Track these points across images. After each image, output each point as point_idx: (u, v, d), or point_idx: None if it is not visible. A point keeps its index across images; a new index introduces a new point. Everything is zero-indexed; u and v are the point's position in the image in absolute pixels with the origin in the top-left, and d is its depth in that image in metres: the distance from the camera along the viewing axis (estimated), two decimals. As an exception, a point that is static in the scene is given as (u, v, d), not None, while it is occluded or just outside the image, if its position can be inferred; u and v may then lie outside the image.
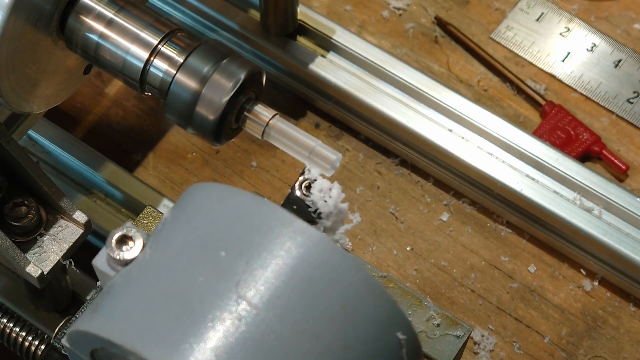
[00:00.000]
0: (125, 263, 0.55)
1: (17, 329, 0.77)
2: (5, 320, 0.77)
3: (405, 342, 0.53)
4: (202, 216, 0.54)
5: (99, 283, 0.59)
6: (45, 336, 0.77)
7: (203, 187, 0.55)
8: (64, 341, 0.56)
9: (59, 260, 0.72)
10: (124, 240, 0.55)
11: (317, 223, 0.59)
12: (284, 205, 0.59)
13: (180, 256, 0.53)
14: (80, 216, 0.73)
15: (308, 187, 0.60)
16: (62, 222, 0.73)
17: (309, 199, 0.59)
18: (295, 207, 0.59)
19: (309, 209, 0.59)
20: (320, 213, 0.59)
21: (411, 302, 0.69)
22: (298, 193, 0.59)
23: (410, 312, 0.69)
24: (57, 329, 0.74)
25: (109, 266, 0.55)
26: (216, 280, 0.51)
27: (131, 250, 0.55)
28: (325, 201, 0.59)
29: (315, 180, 0.60)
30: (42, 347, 0.76)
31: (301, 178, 0.60)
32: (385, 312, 0.52)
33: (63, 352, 0.68)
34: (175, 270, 0.52)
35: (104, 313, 0.53)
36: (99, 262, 0.56)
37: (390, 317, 0.53)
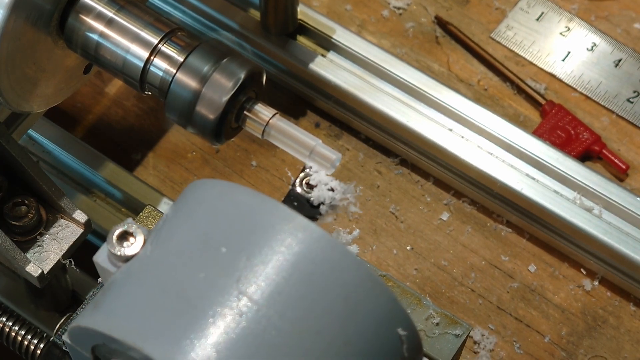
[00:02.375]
0: (126, 259, 0.55)
1: (17, 328, 0.77)
2: (4, 319, 0.77)
3: (406, 338, 0.53)
4: (203, 212, 0.54)
5: (99, 279, 0.59)
6: (45, 335, 0.77)
7: (204, 183, 0.55)
8: (65, 337, 0.56)
9: (59, 259, 0.72)
10: (124, 236, 0.55)
11: (317, 219, 0.59)
12: (284, 202, 0.59)
13: (181, 252, 0.53)
14: (80, 215, 0.73)
15: (309, 184, 0.60)
16: (62, 221, 0.73)
17: (309, 194, 0.59)
18: (296, 203, 0.59)
19: (310, 205, 0.59)
20: (321, 204, 0.59)
21: (410, 300, 0.69)
22: (299, 189, 0.59)
23: (409, 311, 0.69)
24: (57, 325, 0.74)
25: (110, 262, 0.55)
26: (217, 276, 0.51)
27: (132, 247, 0.55)
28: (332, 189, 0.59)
29: (315, 173, 0.60)
30: (42, 345, 0.76)
31: (302, 174, 0.60)
32: (386, 308, 0.53)
33: (64, 348, 0.68)
34: (176, 266, 0.52)
35: (105, 309, 0.53)
36: (100, 258, 0.56)
37: (391, 313, 0.53)
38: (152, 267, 0.53)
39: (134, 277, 0.53)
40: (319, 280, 0.51)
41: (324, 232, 0.52)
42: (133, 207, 0.86)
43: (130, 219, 0.56)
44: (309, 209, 0.59)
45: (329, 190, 0.59)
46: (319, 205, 0.59)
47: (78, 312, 0.66)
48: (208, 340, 0.50)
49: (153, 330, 0.50)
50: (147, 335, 0.50)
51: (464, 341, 0.69)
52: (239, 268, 0.51)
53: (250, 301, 0.50)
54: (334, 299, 0.51)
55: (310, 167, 0.61)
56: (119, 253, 0.55)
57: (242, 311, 0.50)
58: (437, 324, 0.69)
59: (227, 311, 0.50)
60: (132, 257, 0.55)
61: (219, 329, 0.50)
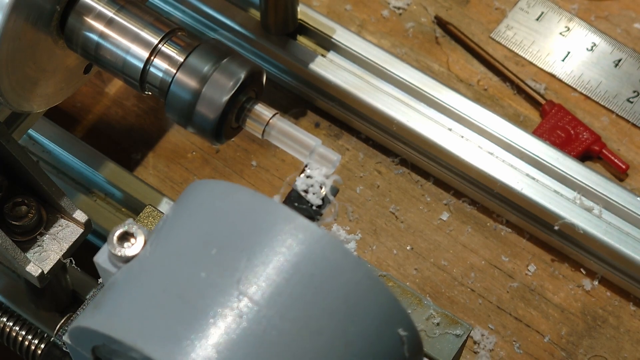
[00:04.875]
0: (127, 260, 0.55)
1: (17, 328, 0.77)
2: (5, 319, 0.77)
3: (407, 338, 0.53)
4: (204, 213, 0.54)
5: (100, 280, 0.59)
6: (45, 335, 0.77)
7: (204, 183, 0.55)
8: (65, 338, 0.56)
9: (59, 259, 0.72)
10: (125, 237, 0.55)
11: (317, 220, 0.59)
12: (285, 202, 0.59)
13: (181, 253, 0.53)
14: (80, 215, 0.73)
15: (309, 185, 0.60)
16: (62, 221, 0.73)
17: (309, 196, 0.59)
18: (296, 204, 0.59)
19: (310, 205, 0.59)
20: (319, 208, 0.59)
21: (411, 300, 0.70)
22: (299, 190, 0.59)
23: (409, 311, 0.69)
24: (58, 325, 0.74)
25: (111, 263, 0.55)
26: (217, 276, 0.51)
27: (132, 247, 0.55)
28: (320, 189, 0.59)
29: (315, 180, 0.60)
30: (43, 345, 0.76)
31: (302, 175, 0.60)
32: (387, 308, 0.53)
33: (64, 348, 0.68)
34: (177, 266, 0.52)
35: (105, 310, 0.53)
36: (101, 258, 0.56)
37: (392, 313, 0.53)
38: (153, 267, 0.53)
39: (135, 277, 0.53)
40: (320, 280, 0.51)
41: (325, 232, 0.52)
42: (133, 207, 0.86)
43: (130, 220, 0.56)
44: (310, 210, 0.59)
45: (320, 187, 0.59)
46: (319, 205, 0.59)
47: (78, 312, 0.66)
48: (209, 340, 0.50)
49: (154, 331, 0.50)
50: (148, 335, 0.50)
51: (465, 341, 0.69)
52: (240, 269, 0.51)
53: (251, 302, 0.50)
54: (335, 300, 0.51)
55: (307, 166, 0.60)
56: (119, 254, 0.55)
57: (242, 312, 0.50)
58: (438, 324, 0.69)
59: (227, 312, 0.50)
60: (132, 257, 0.55)
61: (219, 330, 0.50)
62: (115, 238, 0.55)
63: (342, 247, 0.52)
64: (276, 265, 0.51)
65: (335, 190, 0.60)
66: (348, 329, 0.51)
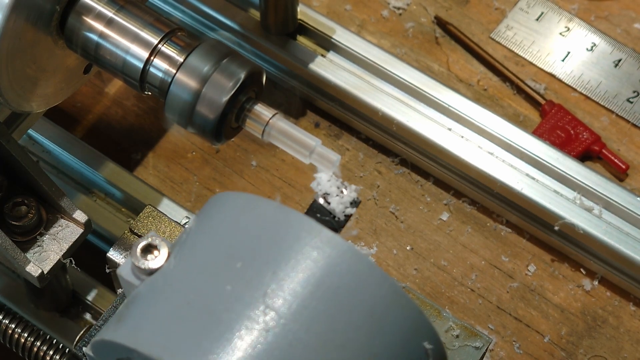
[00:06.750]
0: (150, 272, 0.54)
1: (32, 339, 0.77)
2: (20, 331, 0.77)
3: (432, 351, 0.53)
4: (228, 226, 0.53)
5: (120, 290, 0.59)
6: (61, 346, 0.77)
7: (228, 196, 0.55)
8: (86, 350, 0.56)
9: (59, 259, 0.72)
10: (148, 249, 0.54)
11: (340, 231, 0.58)
12: (307, 213, 0.58)
13: (206, 266, 0.52)
14: (80, 215, 0.73)
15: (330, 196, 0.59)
16: (62, 221, 0.73)
17: (331, 206, 0.59)
18: (318, 215, 0.58)
19: (332, 216, 0.58)
20: (341, 219, 0.58)
21: (430, 312, 0.69)
22: (321, 201, 0.59)
23: None
24: (77, 337, 0.74)
25: (134, 275, 0.55)
26: (243, 290, 0.51)
27: (156, 260, 0.54)
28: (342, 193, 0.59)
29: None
30: (58, 356, 0.76)
31: (322, 183, 0.59)
32: (412, 321, 0.52)
33: None
34: (201, 280, 0.52)
35: (129, 323, 0.52)
36: (124, 271, 0.55)
37: (417, 326, 0.52)
38: (177, 280, 0.53)
39: (159, 290, 0.53)
40: (345, 293, 0.51)
41: (350, 244, 0.52)
42: (133, 207, 0.86)
43: (153, 232, 0.55)
44: (332, 221, 0.58)
45: (338, 196, 0.59)
46: (342, 217, 0.59)
47: (99, 324, 0.65)
48: (235, 355, 0.49)
49: (179, 345, 0.50)
50: (173, 349, 0.50)
51: (484, 353, 0.68)
52: (265, 282, 0.51)
53: (277, 315, 0.50)
54: (360, 313, 0.51)
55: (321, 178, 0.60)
56: (143, 266, 0.54)
57: (268, 325, 0.50)
58: (457, 336, 0.68)
59: (253, 325, 0.50)
60: (156, 270, 0.54)
61: (245, 344, 0.49)
62: (138, 250, 0.54)
63: (368, 260, 0.52)
64: (302, 279, 0.51)
65: (357, 202, 0.59)
66: (373, 342, 0.51)
